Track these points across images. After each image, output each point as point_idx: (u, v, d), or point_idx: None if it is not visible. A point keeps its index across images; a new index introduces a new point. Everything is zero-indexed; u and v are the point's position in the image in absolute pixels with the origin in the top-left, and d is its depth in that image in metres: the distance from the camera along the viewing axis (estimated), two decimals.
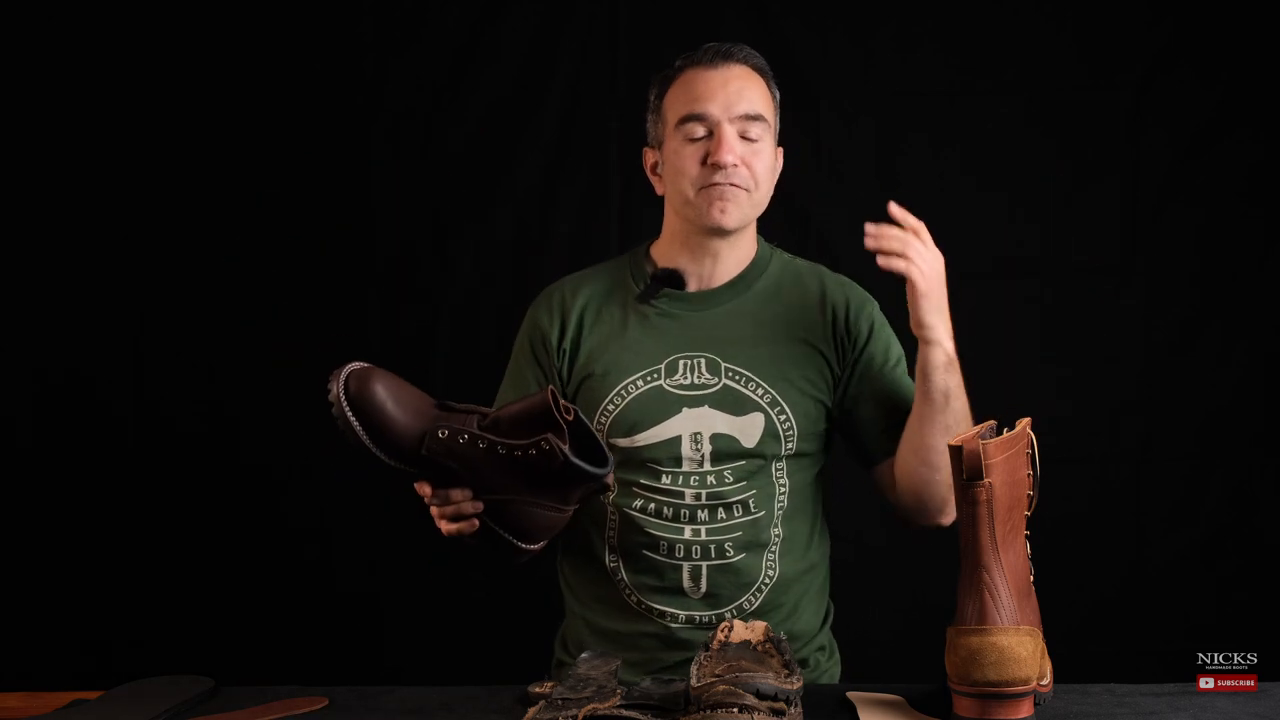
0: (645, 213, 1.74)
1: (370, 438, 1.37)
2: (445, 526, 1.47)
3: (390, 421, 1.37)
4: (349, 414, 1.37)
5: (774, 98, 1.75)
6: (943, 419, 1.61)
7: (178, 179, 2.48)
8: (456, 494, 1.42)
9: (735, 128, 1.67)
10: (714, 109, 1.67)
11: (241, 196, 2.48)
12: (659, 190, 1.78)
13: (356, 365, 1.41)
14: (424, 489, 1.43)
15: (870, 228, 1.58)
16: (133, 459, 2.48)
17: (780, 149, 1.77)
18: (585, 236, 2.46)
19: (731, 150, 1.66)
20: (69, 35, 2.47)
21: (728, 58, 1.71)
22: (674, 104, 1.72)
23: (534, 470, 1.38)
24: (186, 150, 2.48)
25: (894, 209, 1.60)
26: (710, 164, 1.66)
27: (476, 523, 1.45)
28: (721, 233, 1.70)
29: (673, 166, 1.71)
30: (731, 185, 1.67)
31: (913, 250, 1.58)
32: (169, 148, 2.47)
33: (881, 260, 1.58)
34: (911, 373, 1.71)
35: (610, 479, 1.44)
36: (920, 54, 2.44)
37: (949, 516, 1.68)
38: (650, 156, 1.79)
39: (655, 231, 1.82)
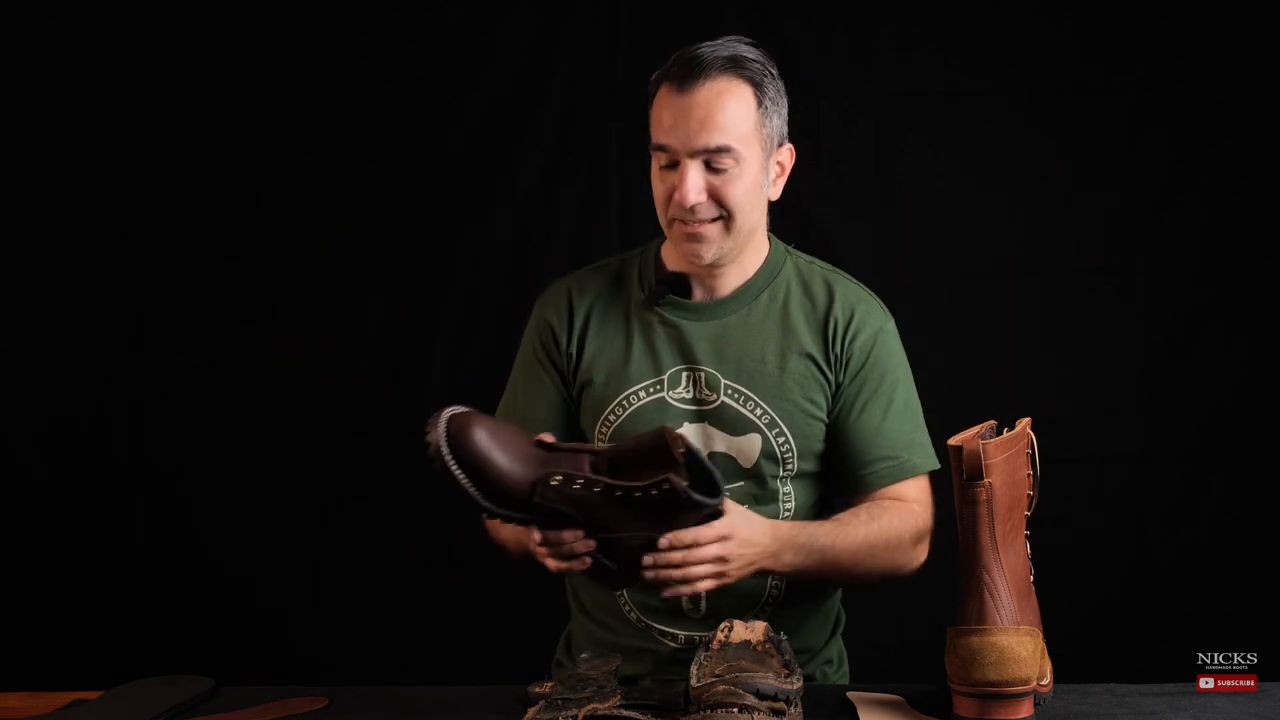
0: (645, 212, 1.72)
1: (481, 491, 1.29)
2: (554, 565, 1.41)
3: (500, 471, 1.28)
4: (454, 468, 1.27)
5: (760, 105, 1.57)
6: (843, 575, 1.57)
7: (178, 179, 2.48)
8: (568, 535, 1.35)
9: (700, 159, 1.54)
10: (674, 142, 1.54)
11: (241, 196, 2.48)
12: None
13: (453, 410, 1.30)
14: (534, 535, 1.36)
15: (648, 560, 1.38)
16: (132, 458, 2.48)
17: (789, 146, 1.65)
18: (585, 236, 2.46)
19: (693, 188, 1.53)
20: (69, 35, 2.47)
21: (699, 75, 1.53)
22: (651, 122, 1.59)
23: (652, 508, 1.31)
24: (187, 150, 2.48)
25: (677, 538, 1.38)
26: (675, 201, 1.55)
27: (588, 560, 1.38)
28: (700, 267, 1.62)
29: (654, 188, 1.62)
30: (699, 223, 1.56)
31: (697, 570, 1.40)
32: (169, 148, 2.48)
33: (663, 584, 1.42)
34: (914, 406, 1.69)
35: (724, 504, 1.37)
36: (920, 54, 2.44)
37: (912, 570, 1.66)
38: None
39: (656, 232, 1.74)
